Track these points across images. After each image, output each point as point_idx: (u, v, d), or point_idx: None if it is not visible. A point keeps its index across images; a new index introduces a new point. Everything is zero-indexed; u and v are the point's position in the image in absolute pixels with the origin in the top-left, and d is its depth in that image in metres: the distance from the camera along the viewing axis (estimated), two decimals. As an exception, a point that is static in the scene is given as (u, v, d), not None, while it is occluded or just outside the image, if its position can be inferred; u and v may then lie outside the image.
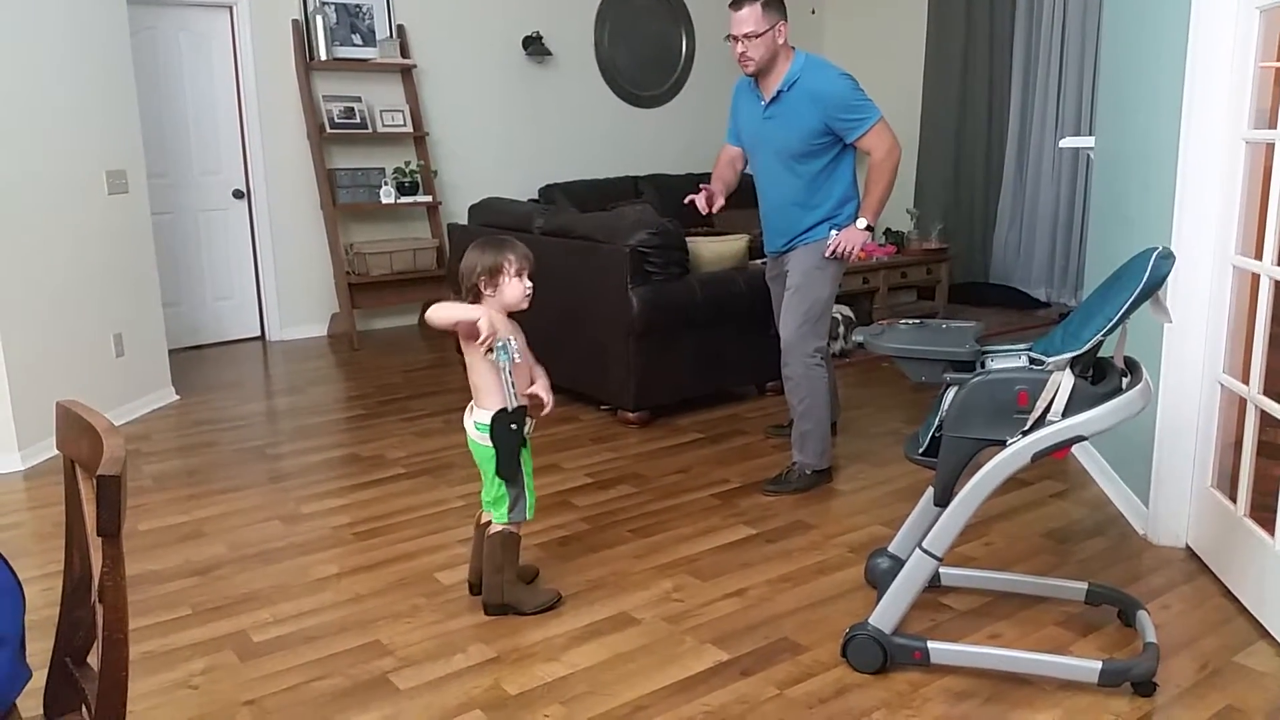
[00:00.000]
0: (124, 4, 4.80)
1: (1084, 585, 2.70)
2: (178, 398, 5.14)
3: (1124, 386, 2.24)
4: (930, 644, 2.41)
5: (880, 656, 2.41)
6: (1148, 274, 2.14)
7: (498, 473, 2.71)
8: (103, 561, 1.26)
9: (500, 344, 2.62)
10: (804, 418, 3.69)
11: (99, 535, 1.25)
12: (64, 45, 4.35)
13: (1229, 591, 2.81)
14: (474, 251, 2.72)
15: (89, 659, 1.55)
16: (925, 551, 2.38)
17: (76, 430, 1.45)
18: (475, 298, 2.71)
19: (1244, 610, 2.71)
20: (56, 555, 3.20)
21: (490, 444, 2.68)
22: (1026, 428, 2.26)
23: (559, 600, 2.84)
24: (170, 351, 5.32)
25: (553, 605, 2.82)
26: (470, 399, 2.77)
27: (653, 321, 4.41)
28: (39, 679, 1.58)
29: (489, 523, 2.79)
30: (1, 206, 4.00)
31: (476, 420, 2.71)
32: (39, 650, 1.69)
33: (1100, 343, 2.21)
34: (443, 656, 2.57)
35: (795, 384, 3.67)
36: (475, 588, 2.87)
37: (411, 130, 6.66)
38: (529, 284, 2.72)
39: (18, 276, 4.09)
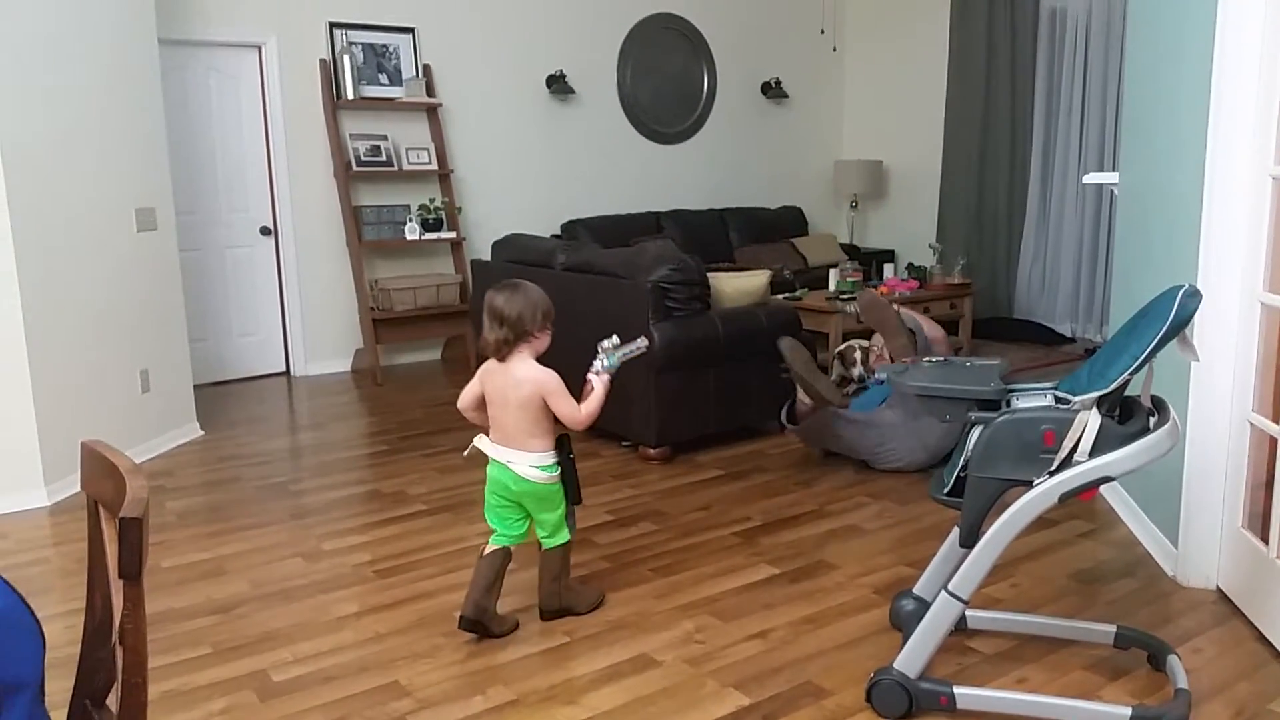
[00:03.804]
0: (155, 44, 4.90)
1: (1113, 628, 2.66)
2: (202, 433, 5.18)
3: (1151, 426, 2.22)
4: (957, 689, 2.37)
5: (906, 702, 2.37)
6: (1174, 312, 2.12)
7: (575, 500, 2.90)
8: (124, 604, 1.26)
9: (606, 359, 2.80)
10: None
11: (120, 578, 1.25)
12: (96, 84, 4.44)
13: (1262, 635, 2.75)
14: (523, 295, 2.77)
15: (108, 701, 1.55)
16: (951, 594, 2.34)
17: (101, 471, 1.46)
18: (518, 340, 2.76)
19: (1278, 655, 2.65)
20: (80, 592, 3.21)
21: (555, 480, 2.84)
22: (1053, 468, 2.24)
23: (604, 598, 3.07)
24: (195, 387, 5.36)
25: (601, 602, 3.05)
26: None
27: (674, 357, 4.40)
28: (59, 719, 1.58)
29: (494, 552, 2.86)
30: (31, 243, 4.07)
31: (535, 464, 2.80)
32: (59, 690, 1.69)
33: (1127, 381, 2.18)
34: (462, 698, 2.55)
35: None
36: (474, 624, 2.82)
37: (436, 168, 6.73)
38: None
39: (46, 312, 4.14)
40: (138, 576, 1.26)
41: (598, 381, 2.80)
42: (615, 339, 2.84)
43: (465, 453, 2.92)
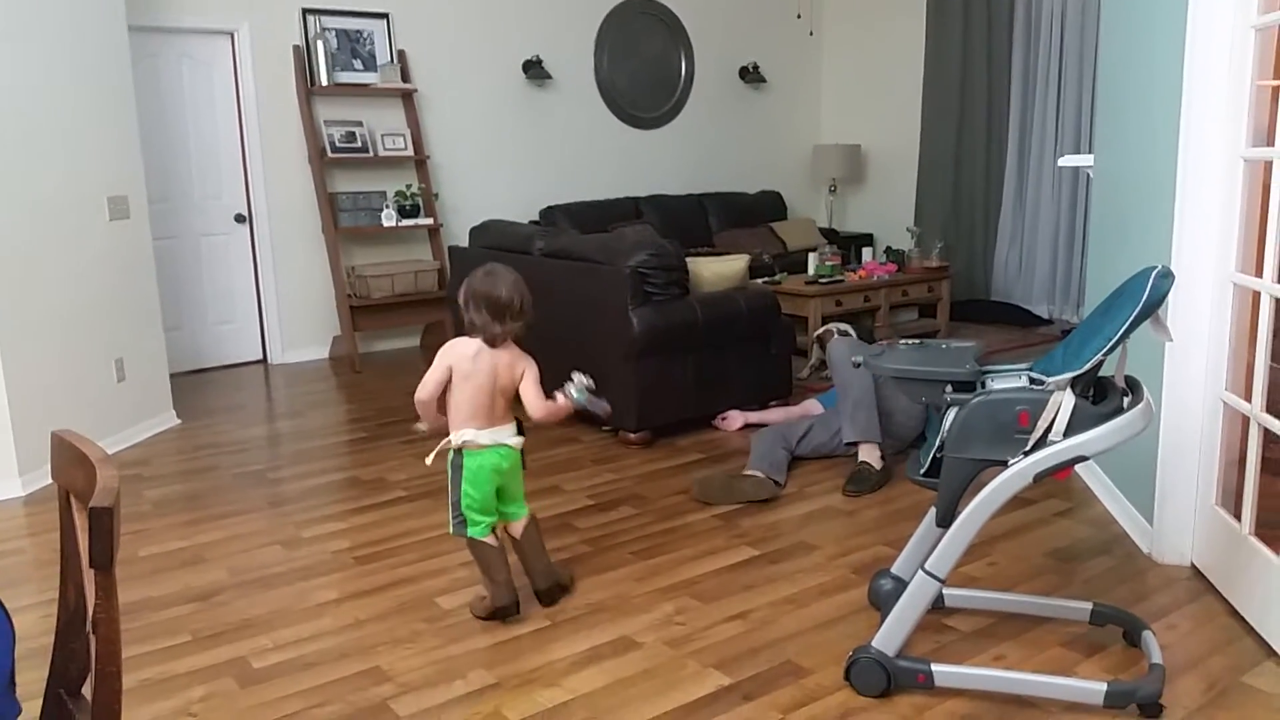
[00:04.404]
0: (125, 31, 4.83)
1: (1089, 605, 2.68)
2: (179, 422, 5.14)
3: (1125, 406, 2.24)
4: (934, 667, 2.39)
5: (884, 680, 2.39)
6: (1147, 293, 2.14)
7: (525, 466, 2.96)
8: (96, 594, 1.25)
9: (576, 392, 2.83)
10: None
11: (92, 568, 1.24)
12: (66, 73, 4.38)
13: (1235, 610, 2.79)
14: (514, 280, 2.79)
15: (83, 690, 1.54)
16: (928, 573, 2.36)
17: (71, 460, 1.45)
18: (525, 327, 2.84)
19: (1251, 630, 2.69)
20: (56, 582, 3.17)
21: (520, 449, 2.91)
22: (1028, 448, 2.25)
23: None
24: (172, 376, 5.32)
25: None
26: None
27: (653, 342, 4.40)
28: (34, 709, 1.57)
29: (494, 538, 2.88)
30: (2, 231, 4.01)
31: (514, 432, 2.87)
32: (35, 680, 1.68)
33: (1101, 362, 2.20)
34: (443, 682, 2.55)
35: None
36: (518, 605, 2.86)
37: (412, 154, 6.68)
38: None
39: (19, 302, 4.09)
40: (109, 566, 1.25)
41: (562, 399, 2.84)
42: (590, 381, 2.86)
43: (430, 460, 2.86)
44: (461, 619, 2.89)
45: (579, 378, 2.85)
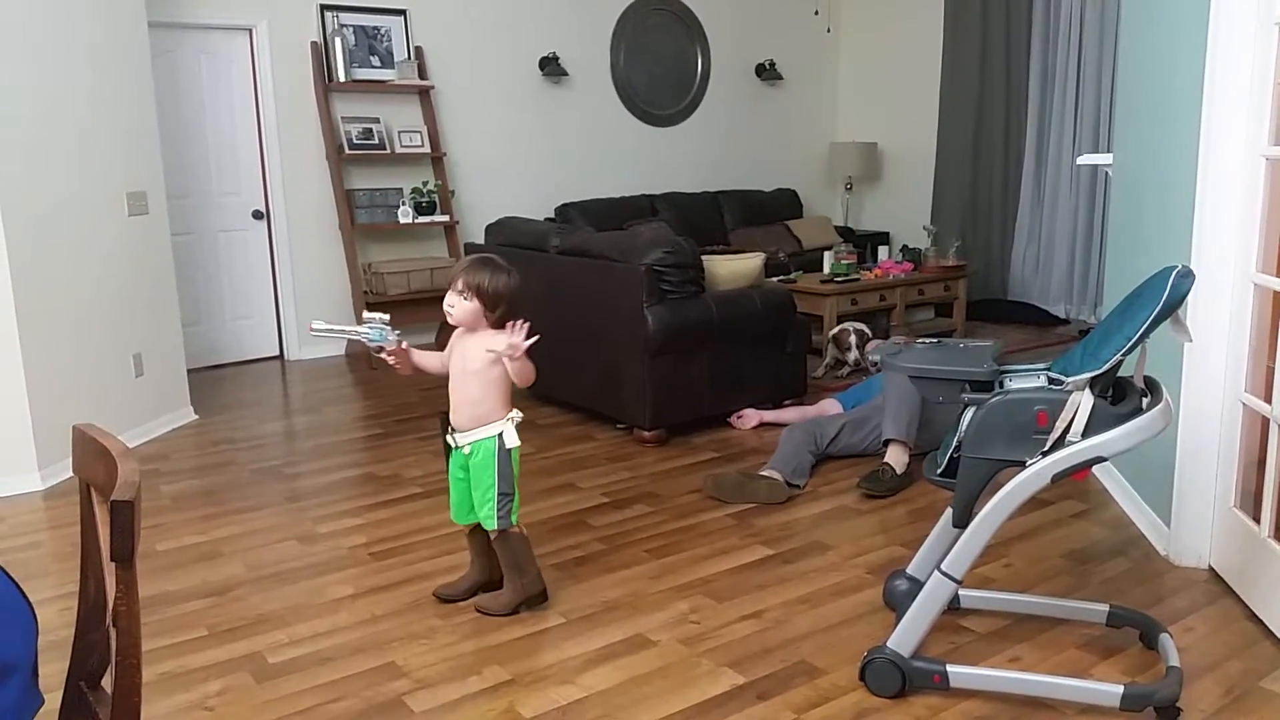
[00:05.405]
0: (145, 27, 4.86)
1: (1105, 607, 2.67)
2: (196, 417, 5.17)
3: (1144, 406, 2.22)
4: (950, 668, 2.38)
5: (899, 680, 2.39)
6: (1167, 293, 2.12)
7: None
8: (116, 587, 1.26)
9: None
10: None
11: (113, 560, 1.25)
12: (85, 68, 4.41)
13: (1253, 614, 2.77)
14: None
15: (103, 682, 1.55)
16: (944, 574, 2.35)
17: (92, 454, 1.46)
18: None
19: (1269, 633, 2.67)
20: (75, 575, 3.19)
21: None
22: (1046, 448, 2.24)
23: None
24: (189, 371, 5.35)
25: None
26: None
27: (668, 340, 4.40)
28: (54, 700, 1.58)
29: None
30: (22, 228, 4.04)
31: None
32: (54, 672, 1.69)
33: (1120, 362, 2.19)
34: (458, 678, 2.56)
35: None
36: (546, 593, 2.97)
37: (429, 151, 6.70)
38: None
39: (38, 297, 4.13)
40: (130, 559, 1.26)
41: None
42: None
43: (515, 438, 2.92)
44: (477, 615, 2.89)
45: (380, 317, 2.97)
